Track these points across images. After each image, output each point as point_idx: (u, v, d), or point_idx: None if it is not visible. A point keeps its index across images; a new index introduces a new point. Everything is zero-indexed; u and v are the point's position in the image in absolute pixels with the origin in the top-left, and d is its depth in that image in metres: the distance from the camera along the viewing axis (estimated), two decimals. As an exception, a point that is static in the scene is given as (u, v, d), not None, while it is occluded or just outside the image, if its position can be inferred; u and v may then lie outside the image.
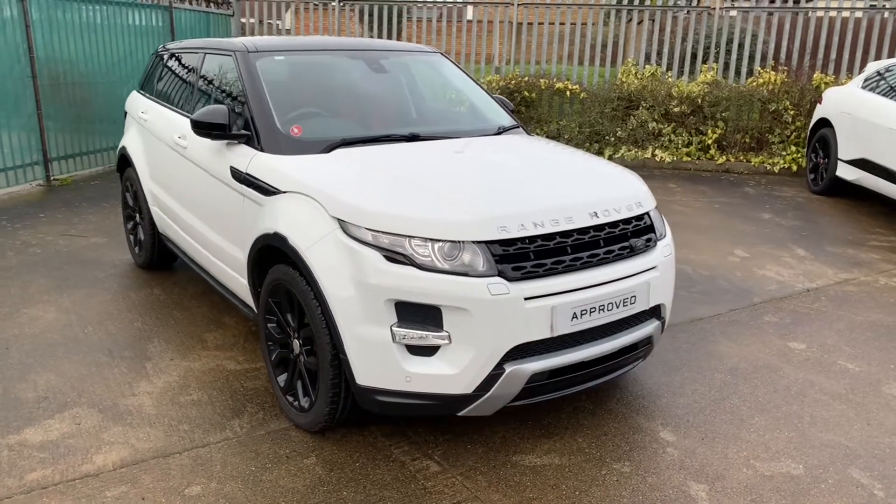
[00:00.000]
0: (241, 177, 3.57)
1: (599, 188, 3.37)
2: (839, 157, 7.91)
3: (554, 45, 11.49)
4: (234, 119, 3.70)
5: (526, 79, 10.58)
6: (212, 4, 10.82)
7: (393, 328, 2.81)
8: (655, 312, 3.34)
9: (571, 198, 3.17)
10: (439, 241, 2.82)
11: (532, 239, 2.91)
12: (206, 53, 4.42)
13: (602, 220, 3.10)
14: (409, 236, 2.83)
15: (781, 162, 9.67)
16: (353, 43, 4.63)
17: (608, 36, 11.47)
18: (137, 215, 5.28)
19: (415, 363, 2.84)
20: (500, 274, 2.82)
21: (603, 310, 3.02)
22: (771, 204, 7.97)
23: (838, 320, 4.72)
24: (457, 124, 4.31)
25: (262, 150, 3.54)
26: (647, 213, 3.35)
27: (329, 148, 3.51)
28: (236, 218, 3.66)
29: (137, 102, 5.29)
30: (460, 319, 2.79)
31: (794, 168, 9.60)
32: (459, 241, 2.82)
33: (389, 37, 12.22)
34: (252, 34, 12.78)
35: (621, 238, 3.17)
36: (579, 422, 3.42)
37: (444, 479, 2.95)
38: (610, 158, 10.04)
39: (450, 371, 2.83)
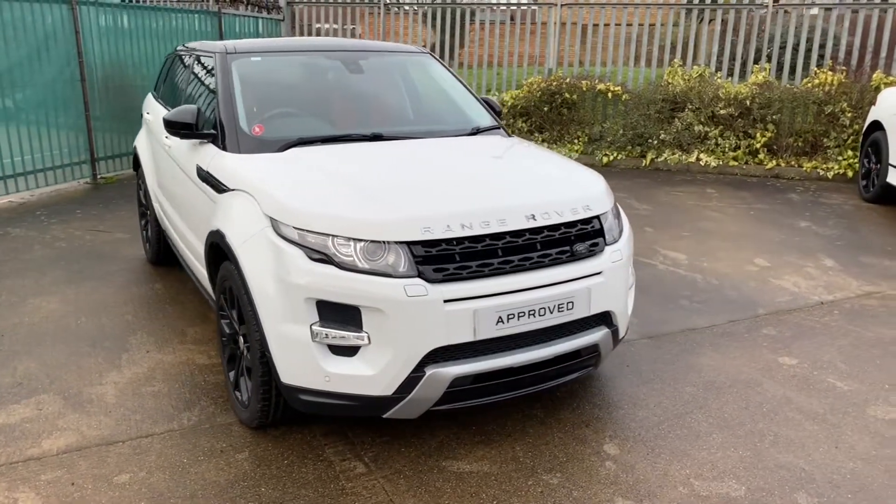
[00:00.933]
0: (202, 174, 3.66)
1: (544, 190, 3.27)
2: (890, 162, 7.41)
3: (627, 47, 11.23)
4: (206, 119, 3.79)
5: (567, 80, 10.40)
6: (263, 10, 11.13)
7: (313, 327, 2.81)
8: (605, 320, 3.21)
9: (509, 199, 3.09)
10: (361, 240, 2.81)
11: (459, 240, 2.85)
12: (198, 55, 4.56)
13: (540, 223, 3.01)
14: (332, 235, 2.83)
15: (836, 167, 9.14)
16: (337, 44, 4.68)
17: (666, 37, 11.14)
18: (148, 212, 5.49)
19: (334, 363, 2.83)
20: (421, 275, 2.78)
21: (533, 315, 2.93)
22: (813, 211, 7.54)
23: (844, 336, 4.41)
24: (426, 125, 4.27)
25: (224, 148, 3.62)
26: (598, 217, 3.22)
27: (284, 147, 3.55)
28: (201, 215, 3.75)
29: (147, 103, 5.50)
30: (378, 320, 2.76)
31: (850, 174, 9.05)
32: (382, 242, 2.80)
33: (453, 39, 12.08)
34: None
35: (562, 242, 3.06)
36: (524, 429, 3.33)
37: (365, 481, 2.93)
38: (651, 162, 9.75)
39: (368, 372, 2.81)
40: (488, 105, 4.53)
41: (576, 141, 10.30)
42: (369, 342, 2.79)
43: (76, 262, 5.62)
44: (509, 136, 4.26)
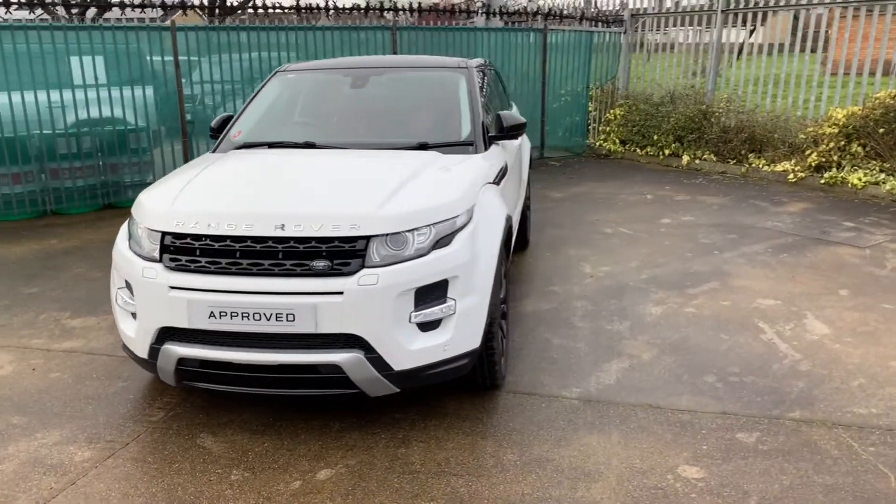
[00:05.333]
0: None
1: (318, 203, 3.31)
2: None
3: None
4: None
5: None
6: (599, 24, 11.29)
7: (118, 291, 3.51)
8: (360, 344, 3.08)
9: (269, 207, 3.28)
10: (144, 227, 3.38)
11: (204, 237, 3.18)
12: None
13: (288, 233, 3.11)
14: (136, 222, 3.48)
15: None
16: (373, 62, 4.99)
17: None
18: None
19: (125, 324, 3.48)
20: (161, 261, 3.22)
21: (247, 318, 3.08)
22: None
23: (848, 474, 3.01)
24: (373, 137, 4.28)
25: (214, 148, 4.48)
26: (366, 238, 3.09)
27: (232, 149, 4.23)
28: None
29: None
30: (135, 294, 3.32)
31: None
32: (152, 230, 3.32)
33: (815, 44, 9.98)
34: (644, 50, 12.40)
35: (306, 255, 3.09)
36: (300, 434, 3.40)
37: (138, 426, 3.50)
38: None
39: (132, 335, 3.39)
40: (500, 121, 4.34)
41: (914, 175, 7.93)
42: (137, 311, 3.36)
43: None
44: (475, 153, 4.06)
